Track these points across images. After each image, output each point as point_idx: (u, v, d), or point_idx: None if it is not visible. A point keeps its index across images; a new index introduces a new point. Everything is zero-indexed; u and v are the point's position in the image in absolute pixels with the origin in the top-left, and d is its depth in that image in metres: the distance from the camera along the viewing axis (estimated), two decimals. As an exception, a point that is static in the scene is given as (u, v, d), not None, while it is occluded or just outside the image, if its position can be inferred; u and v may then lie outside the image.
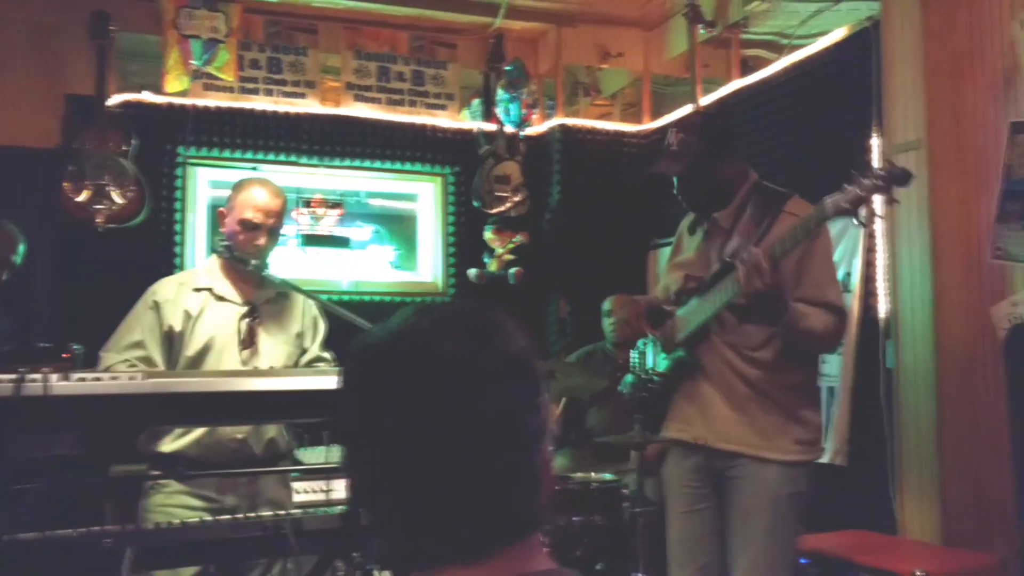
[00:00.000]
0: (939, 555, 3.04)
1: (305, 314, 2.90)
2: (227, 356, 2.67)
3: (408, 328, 0.91)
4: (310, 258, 4.85)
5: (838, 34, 3.92)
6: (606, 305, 4.52)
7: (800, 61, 4.13)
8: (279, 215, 2.82)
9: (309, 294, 2.90)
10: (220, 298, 2.74)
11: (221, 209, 2.86)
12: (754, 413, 2.43)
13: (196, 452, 2.60)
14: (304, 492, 3.48)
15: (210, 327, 2.68)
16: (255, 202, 2.76)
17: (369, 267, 5.00)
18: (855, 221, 2.17)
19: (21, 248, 3.65)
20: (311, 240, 4.81)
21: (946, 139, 3.29)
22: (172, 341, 2.66)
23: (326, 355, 2.90)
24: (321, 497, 3.50)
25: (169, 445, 2.60)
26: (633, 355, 2.76)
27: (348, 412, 0.90)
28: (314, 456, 3.80)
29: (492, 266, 4.94)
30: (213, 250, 2.94)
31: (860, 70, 3.64)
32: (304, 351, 2.87)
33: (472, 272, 4.91)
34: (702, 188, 2.57)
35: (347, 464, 0.91)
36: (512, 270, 4.87)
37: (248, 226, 2.74)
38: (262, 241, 2.75)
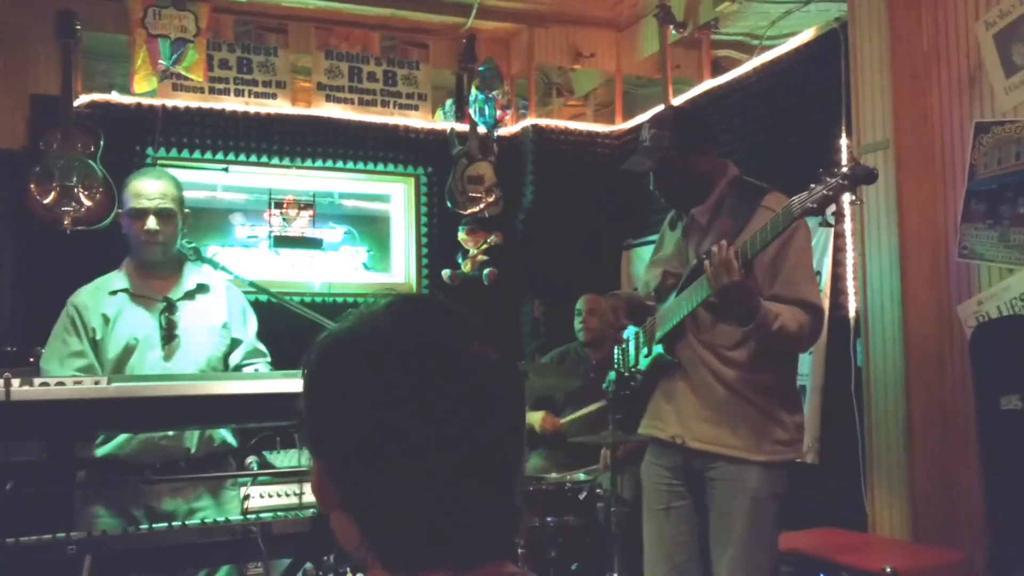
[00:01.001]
0: (908, 551, 3.06)
1: (232, 303, 2.84)
2: (149, 355, 2.63)
3: (408, 321, 0.87)
4: (282, 259, 4.81)
5: (807, 35, 3.96)
6: (579, 304, 4.53)
7: (770, 62, 4.16)
8: (166, 195, 2.70)
9: (247, 284, 2.83)
10: (137, 297, 2.70)
11: (118, 211, 2.82)
12: (730, 414, 2.41)
13: (126, 454, 2.55)
14: (273, 496, 3.45)
15: (129, 328, 2.64)
16: (137, 190, 2.69)
17: (341, 268, 4.98)
18: (822, 220, 2.17)
19: None
20: (283, 241, 4.78)
21: (913, 139, 3.32)
22: (97, 347, 2.62)
23: (261, 347, 2.87)
24: (292, 500, 3.47)
25: (101, 449, 2.55)
26: (616, 352, 2.75)
27: (318, 410, 0.87)
28: (285, 459, 3.77)
29: (465, 267, 4.93)
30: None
31: (829, 71, 3.67)
32: (234, 341, 2.81)
33: (445, 273, 4.90)
34: (677, 182, 2.55)
35: (339, 464, 0.86)
36: (485, 271, 4.86)
37: (136, 215, 2.66)
38: (151, 225, 2.65)
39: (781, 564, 3.00)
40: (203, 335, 2.72)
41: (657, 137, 2.55)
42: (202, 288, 2.79)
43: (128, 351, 2.62)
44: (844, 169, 2.10)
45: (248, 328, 2.85)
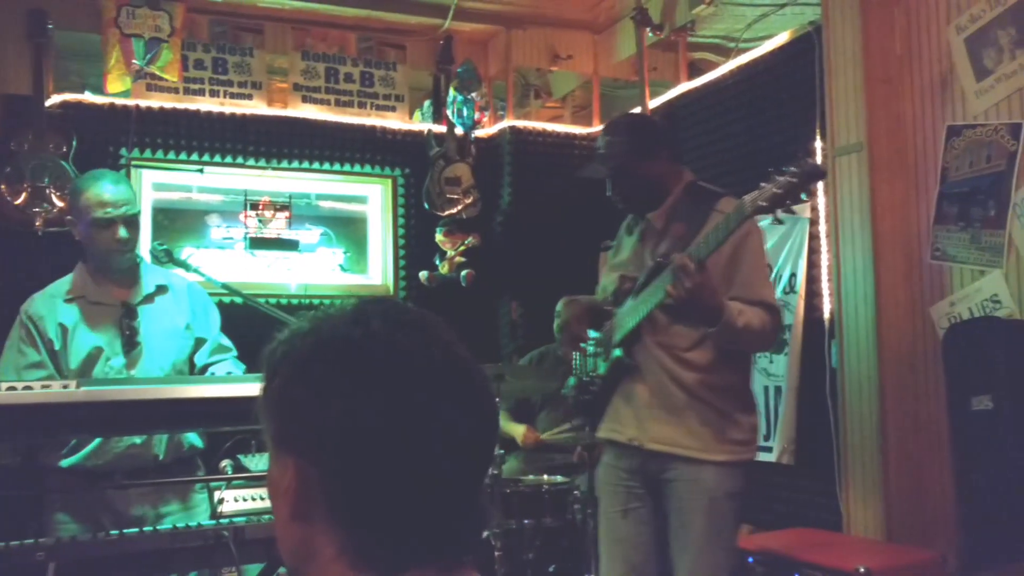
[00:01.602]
0: (882, 551, 3.09)
1: (193, 301, 2.79)
2: (112, 363, 2.58)
3: (366, 323, 0.87)
4: (258, 261, 4.78)
5: (782, 38, 3.98)
6: (559, 306, 4.52)
7: (746, 64, 4.19)
8: (130, 200, 2.66)
9: (220, 286, 2.79)
10: (94, 304, 2.63)
11: (68, 219, 2.71)
12: (687, 415, 2.43)
13: (94, 464, 2.50)
14: (247, 500, 3.42)
15: (89, 337, 2.58)
16: (100, 198, 2.60)
17: (318, 270, 4.94)
18: (774, 219, 2.19)
19: None
20: (259, 243, 4.74)
21: (886, 142, 3.35)
22: (56, 357, 2.56)
23: (226, 342, 2.82)
24: (266, 504, 3.44)
25: (67, 460, 2.50)
26: (576, 357, 2.76)
27: (304, 410, 0.85)
28: (260, 463, 3.74)
29: (443, 268, 4.92)
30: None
31: (804, 73, 3.70)
32: (198, 340, 2.77)
33: (423, 274, 4.89)
34: (632, 187, 2.58)
35: (321, 468, 0.84)
36: (463, 272, 4.85)
37: (101, 224, 2.60)
38: (121, 234, 2.61)
39: (757, 564, 3.02)
40: (166, 339, 2.67)
41: (612, 144, 2.59)
42: (161, 289, 2.73)
43: (90, 361, 2.55)
44: (793, 167, 2.12)
45: (212, 325, 2.81)
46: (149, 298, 2.70)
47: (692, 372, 2.44)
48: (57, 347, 2.56)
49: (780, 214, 2.16)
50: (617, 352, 2.56)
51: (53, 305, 2.62)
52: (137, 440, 2.52)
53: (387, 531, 0.83)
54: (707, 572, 2.39)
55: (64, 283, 2.70)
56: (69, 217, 2.71)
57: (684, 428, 2.43)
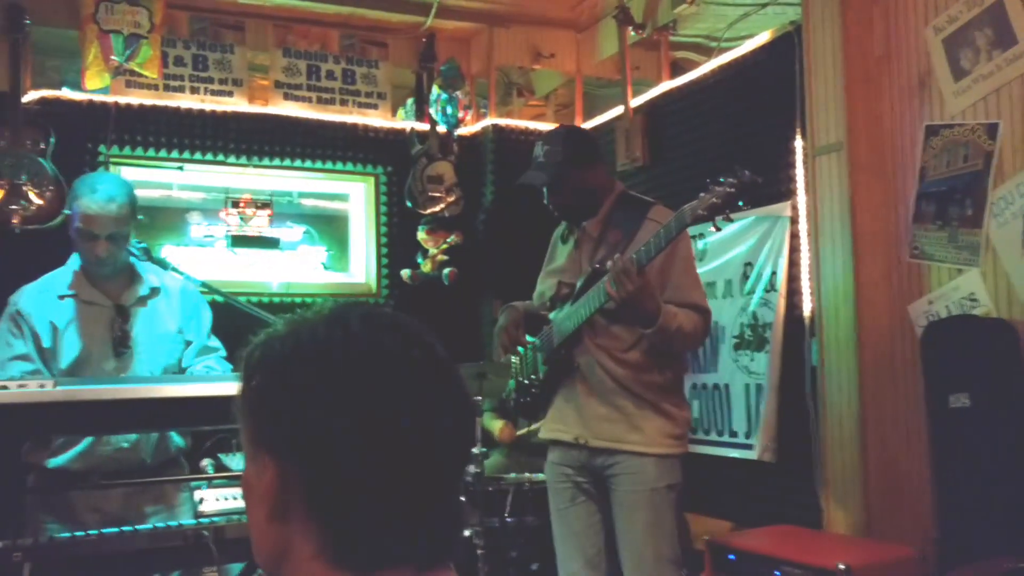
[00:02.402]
0: (862, 548, 3.11)
1: (185, 305, 2.76)
2: (103, 364, 2.55)
3: (342, 324, 0.88)
4: (239, 259, 4.75)
5: (763, 37, 4.00)
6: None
7: (727, 63, 4.20)
8: (119, 219, 2.58)
9: (199, 285, 2.74)
10: (87, 303, 2.59)
11: (66, 212, 2.69)
12: (627, 410, 2.58)
13: (80, 466, 2.47)
14: (228, 499, 3.40)
15: (80, 337, 2.55)
16: (85, 211, 2.55)
17: (300, 268, 4.92)
18: (713, 225, 2.31)
19: None
20: (240, 241, 4.72)
21: (865, 141, 3.37)
22: (44, 354, 2.53)
23: (214, 343, 2.80)
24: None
25: (53, 459, 2.48)
26: (514, 360, 2.85)
27: (286, 410, 0.85)
28: (241, 462, 3.73)
29: (425, 267, 4.91)
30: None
31: (784, 73, 3.71)
32: (187, 344, 2.75)
33: (405, 273, 4.88)
34: (569, 196, 2.73)
35: (301, 466, 0.84)
36: (446, 271, 4.85)
37: (84, 235, 2.55)
38: (101, 252, 2.55)
39: (737, 561, 3.04)
40: (157, 343, 2.65)
41: (551, 153, 2.74)
42: (155, 292, 2.71)
43: (80, 362, 2.52)
44: (732, 178, 2.26)
45: (202, 328, 2.79)
46: (142, 300, 2.66)
47: (627, 370, 2.59)
48: (46, 345, 2.52)
49: (719, 221, 2.29)
50: (559, 355, 2.68)
51: (45, 301, 2.57)
52: (124, 443, 2.50)
53: (365, 530, 0.84)
54: (651, 559, 2.54)
55: (57, 277, 2.66)
56: (67, 212, 2.68)
57: (625, 424, 2.57)
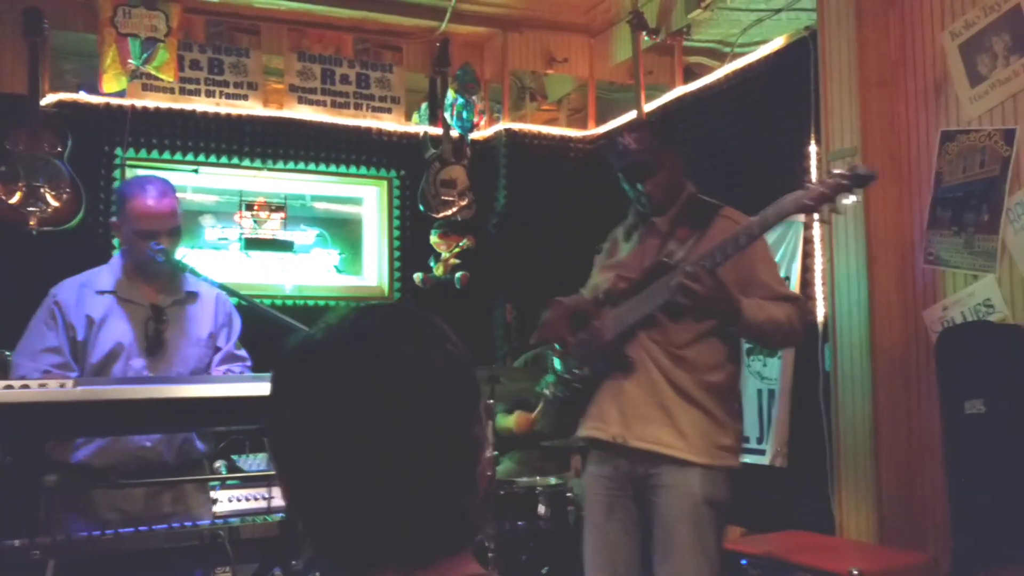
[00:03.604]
0: (875, 554, 3.10)
1: (219, 313, 2.79)
2: (133, 362, 2.57)
3: (351, 327, 0.89)
4: (252, 262, 4.77)
5: (777, 43, 4.00)
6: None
7: (741, 69, 4.20)
8: (174, 215, 2.68)
9: (228, 290, 2.77)
10: (124, 301, 2.63)
11: (113, 220, 2.73)
12: (676, 415, 2.42)
13: (103, 462, 2.50)
14: (242, 500, 3.42)
15: (114, 333, 2.58)
16: (143, 210, 2.61)
17: (313, 271, 4.95)
18: (817, 218, 2.22)
19: None
20: (253, 244, 4.74)
21: (880, 147, 3.37)
22: (77, 347, 2.56)
23: (241, 352, 2.82)
24: (260, 505, 3.44)
25: (77, 455, 2.50)
26: (551, 356, 2.74)
27: (287, 413, 0.87)
28: (255, 463, 3.74)
29: (438, 270, 4.93)
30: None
31: (799, 78, 3.71)
32: (216, 351, 2.78)
33: (418, 276, 4.90)
34: (666, 180, 2.57)
35: (284, 466, 0.88)
36: (458, 274, 4.86)
37: (143, 235, 2.61)
38: (165, 244, 2.63)
39: (750, 567, 3.03)
40: (189, 346, 2.67)
41: (642, 140, 2.59)
42: (191, 296, 2.74)
43: (112, 357, 2.55)
44: (844, 170, 2.17)
45: (232, 336, 2.82)
46: (179, 303, 2.70)
47: (682, 368, 2.44)
48: (80, 338, 2.55)
49: (826, 213, 2.19)
50: (613, 348, 2.54)
51: (84, 295, 2.61)
52: (147, 442, 2.52)
53: (346, 533, 0.86)
54: None
55: (98, 274, 2.70)
56: (114, 219, 2.74)
57: (672, 428, 2.42)
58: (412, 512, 0.85)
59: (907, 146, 3.36)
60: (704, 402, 2.44)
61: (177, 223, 2.70)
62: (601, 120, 5.33)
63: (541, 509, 3.51)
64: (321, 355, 0.87)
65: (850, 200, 2.18)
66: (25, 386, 1.91)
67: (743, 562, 3.04)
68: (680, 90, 4.64)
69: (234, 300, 2.85)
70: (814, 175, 3.67)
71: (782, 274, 3.78)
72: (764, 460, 3.82)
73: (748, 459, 3.87)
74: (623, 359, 2.51)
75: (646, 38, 4.66)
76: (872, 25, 3.40)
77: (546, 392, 2.74)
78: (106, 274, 2.69)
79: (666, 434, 2.42)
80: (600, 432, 2.53)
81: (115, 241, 4.36)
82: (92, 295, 2.61)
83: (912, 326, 3.30)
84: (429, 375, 0.87)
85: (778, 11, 4.37)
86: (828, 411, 3.49)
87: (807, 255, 3.71)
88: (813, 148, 3.67)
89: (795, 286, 3.73)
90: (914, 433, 3.25)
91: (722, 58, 4.81)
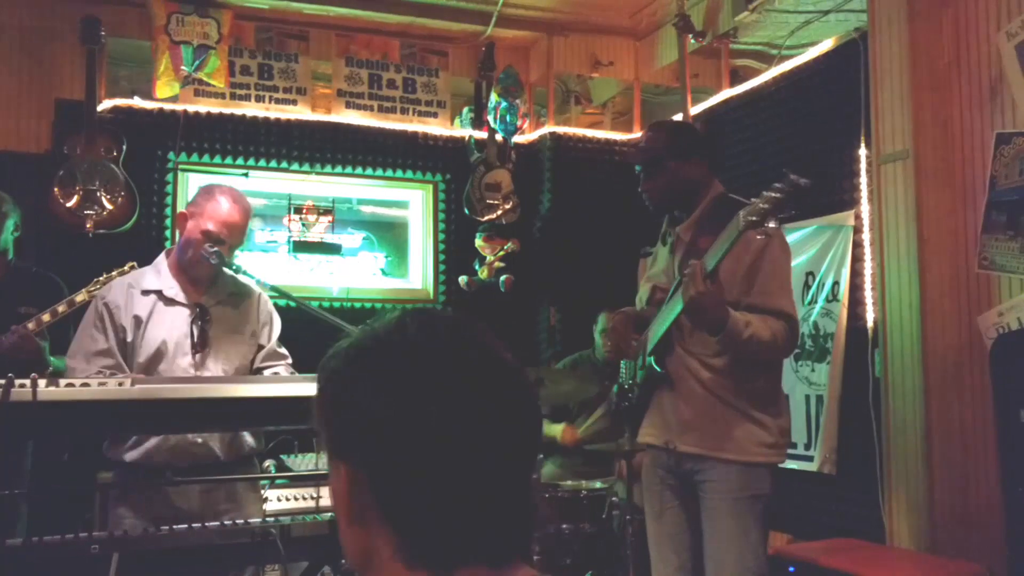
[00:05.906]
0: (926, 563, 3.05)
1: (260, 311, 2.83)
2: (179, 361, 2.61)
3: (456, 332, 0.91)
4: (300, 264, 4.84)
5: (826, 45, 3.96)
6: (601, 322, 4.51)
7: (789, 71, 4.16)
8: (243, 231, 2.75)
9: (269, 288, 2.79)
10: (169, 301, 2.67)
11: (183, 212, 2.76)
12: (713, 419, 2.51)
13: (156, 460, 2.53)
14: (291, 500, 3.46)
15: (160, 331, 2.62)
16: (222, 216, 2.66)
17: (360, 274, 5.00)
18: (767, 225, 2.24)
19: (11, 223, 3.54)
20: (302, 247, 4.82)
21: (932, 149, 3.31)
22: (126, 348, 2.61)
23: (282, 350, 2.87)
24: (310, 504, 3.49)
25: (130, 454, 2.56)
26: (623, 366, 2.82)
27: (348, 416, 0.88)
28: (304, 462, 3.79)
29: (482, 273, 4.95)
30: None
31: (848, 80, 3.67)
32: (260, 348, 2.82)
33: (462, 279, 4.92)
34: (662, 184, 2.66)
35: (369, 470, 0.87)
36: (502, 277, 4.88)
37: (211, 238, 2.65)
38: (226, 253, 2.67)
39: (798, 573, 3.00)
40: (233, 345, 2.71)
41: (651, 139, 2.71)
42: (235, 295, 2.79)
43: (158, 356, 2.60)
44: (780, 183, 2.20)
45: (273, 334, 2.86)
46: (223, 302, 2.74)
47: (715, 375, 2.52)
48: (129, 338, 2.61)
49: (769, 228, 2.22)
50: (650, 360, 2.64)
51: (131, 296, 2.66)
52: (198, 439, 2.57)
53: (436, 531, 0.86)
54: (733, 570, 2.46)
55: (144, 274, 2.75)
56: (184, 211, 2.76)
57: (712, 431, 2.51)
58: (509, 509, 0.88)
59: (960, 149, 3.30)
60: (742, 406, 2.51)
61: (242, 240, 2.77)
62: (646, 123, 5.30)
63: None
64: (441, 356, 0.89)
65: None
66: (85, 384, 1.95)
67: (791, 569, 3.01)
68: (726, 93, 4.61)
69: (283, 303, 2.89)
70: (863, 178, 3.62)
71: (831, 279, 3.74)
72: (812, 467, 3.78)
73: (796, 465, 3.84)
74: (657, 370, 2.61)
75: (692, 41, 4.64)
76: (925, 26, 3.35)
77: (612, 402, 2.88)
78: (151, 274, 2.74)
79: (707, 437, 2.52)
80: (654, 438, 2.67)
81: (167, 234, 4.47)
82: (138, 295, 2.66)
83: (966, 332, 3.24)
84: (527, 378, 0.92)
85: (827, 12, 4.32)
86: (878, 417, 3.44)
87: (856, 259, 3.66)
88: (863, 151, 3.62)
89: (844, 291, 3.68)
90: (967, 441, 3.19)
91: (769, 60, 4.77)
